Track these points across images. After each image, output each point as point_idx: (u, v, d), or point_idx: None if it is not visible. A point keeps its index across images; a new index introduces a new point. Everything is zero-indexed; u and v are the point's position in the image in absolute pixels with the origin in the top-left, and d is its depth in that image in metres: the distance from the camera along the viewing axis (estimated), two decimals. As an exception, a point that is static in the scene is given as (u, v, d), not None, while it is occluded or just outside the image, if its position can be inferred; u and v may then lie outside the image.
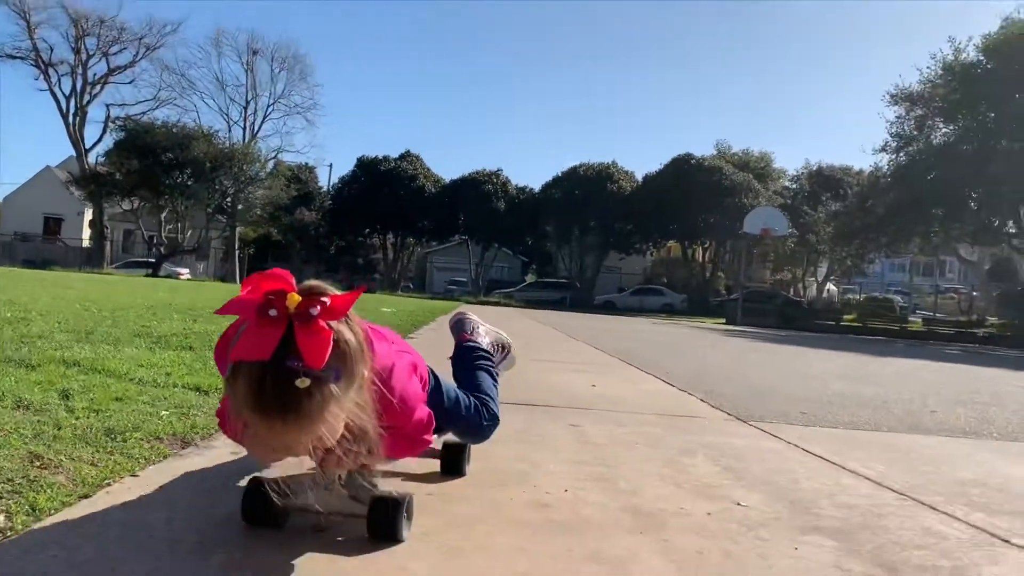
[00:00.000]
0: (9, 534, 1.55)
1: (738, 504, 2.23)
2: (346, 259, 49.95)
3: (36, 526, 1.61)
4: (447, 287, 46.94)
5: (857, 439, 3.61)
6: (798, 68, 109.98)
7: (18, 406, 2.67)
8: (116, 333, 5.29)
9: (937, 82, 28.16)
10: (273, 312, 1.25)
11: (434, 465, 2.30)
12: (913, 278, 45.12)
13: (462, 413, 2.03)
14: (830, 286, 48.00)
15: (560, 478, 2.37)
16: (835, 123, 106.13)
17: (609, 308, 37.70)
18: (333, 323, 1.29)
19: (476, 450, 2.56)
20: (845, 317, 30.42)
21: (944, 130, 29.26)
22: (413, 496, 1.73)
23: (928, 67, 29.16)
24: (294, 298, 1.27)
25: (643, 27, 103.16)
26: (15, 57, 41.74)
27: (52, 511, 1.71)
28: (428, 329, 9.88)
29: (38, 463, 2.03)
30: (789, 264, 45.71)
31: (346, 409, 1.33)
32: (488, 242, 46.88)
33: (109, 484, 1.95)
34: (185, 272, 41.07)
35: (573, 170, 44.82)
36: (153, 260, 41.02)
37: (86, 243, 45.66)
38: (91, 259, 40.78)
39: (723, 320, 30.23)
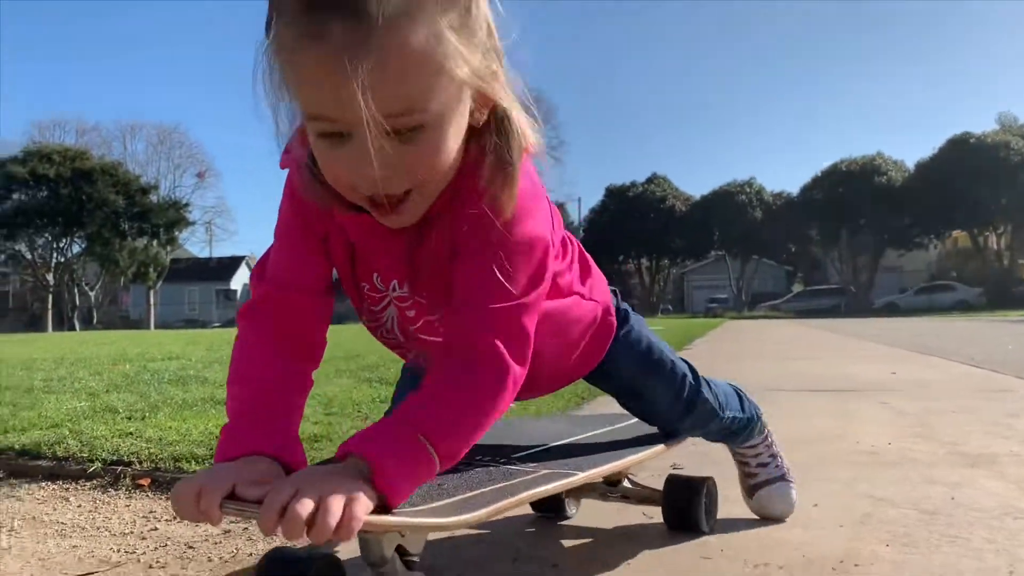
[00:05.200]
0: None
1: (1074, 448, 2.26)
2: (605, 287, 50.95)
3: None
4: (707, 305, 46.11)
5: None
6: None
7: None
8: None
9: None
10: None
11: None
12: None
13: (654, 365, 1.29)
14: None
15: (880, 436, 2.53)
16: None
17: (892, 311, 34.88)
18: None
19: (782, 424, 2.76)
20: None
21: None
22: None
23: None
24: None
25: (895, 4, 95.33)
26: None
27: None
28: (701, 341, 10.03)
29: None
30: (1110, 239, 39.54)
31: (458, 54, 0.82)
32: (747, 254, 45.61)
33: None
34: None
35: (833, 167, 42.43)
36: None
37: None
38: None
39: (1031, 311, 26.83)
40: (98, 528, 1.68)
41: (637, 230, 45.08)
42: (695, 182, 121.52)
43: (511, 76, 0.92)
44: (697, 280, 53.18)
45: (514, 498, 1.01)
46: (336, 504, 0.78)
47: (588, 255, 1.21)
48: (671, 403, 1.32)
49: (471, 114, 0.89)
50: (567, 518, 1.63)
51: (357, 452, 0.85)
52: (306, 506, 0.77)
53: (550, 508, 1.63)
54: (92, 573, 1.39)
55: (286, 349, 1.02)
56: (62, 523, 1.72)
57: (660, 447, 1.38)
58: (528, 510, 1.65)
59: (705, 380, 1.37)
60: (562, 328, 1.12)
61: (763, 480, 1.53)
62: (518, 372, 0.93)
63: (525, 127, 0.93)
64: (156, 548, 1.51)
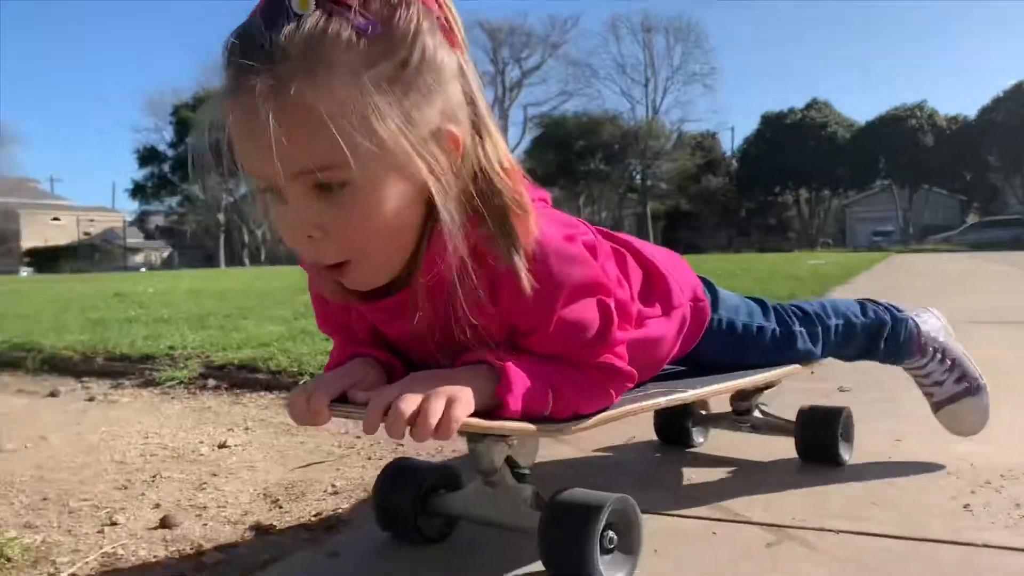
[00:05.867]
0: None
1: None
2: (757, 220, 49.21)
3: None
4: (871, 239, 43.49)
5: None
6: None
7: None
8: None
9: None
10: None
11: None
12: None
13: (741, 342, 1.30)
14: None
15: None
16: None
17: (1082, 242, 31.65)
18: None
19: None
20: None
21: None
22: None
23: None
24: None
25: None
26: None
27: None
28: (866, 275, 9.63)
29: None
30: None
31: (381, 109, 0.78)
32: (916, 184, 42.63)
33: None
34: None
35: (1017, 87, 38.73)
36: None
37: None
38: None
39: None
40: (318, 428, 1.95)
41: (795, 160, 42.96)
42: (860, 107, 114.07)
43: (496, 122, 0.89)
44: (860, 212, 50.23)
45: (617, 410, 1.00)
46: (437, 404, 0.81)
47: (647, 252, 1.15)
48: (768, 357, 1.32)
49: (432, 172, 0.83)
50: (693, 447, 1.61)
51: (488, 360, 0.89)
52: (408, 406, 0.80)
53: (676, 437, 1.62)
54: (322, 462, 1.65)
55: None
56: (287, 424, 2.01)
57: (782, 370, 1.32)
58: (653, 437, 1.66)
59: (789, 310, 1.35)
60: (650, 351, 1.10)
61: (944, 398, 1.45)
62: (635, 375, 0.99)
63: (507, 179, 0.87)
64: (371, 444, 1.76)
